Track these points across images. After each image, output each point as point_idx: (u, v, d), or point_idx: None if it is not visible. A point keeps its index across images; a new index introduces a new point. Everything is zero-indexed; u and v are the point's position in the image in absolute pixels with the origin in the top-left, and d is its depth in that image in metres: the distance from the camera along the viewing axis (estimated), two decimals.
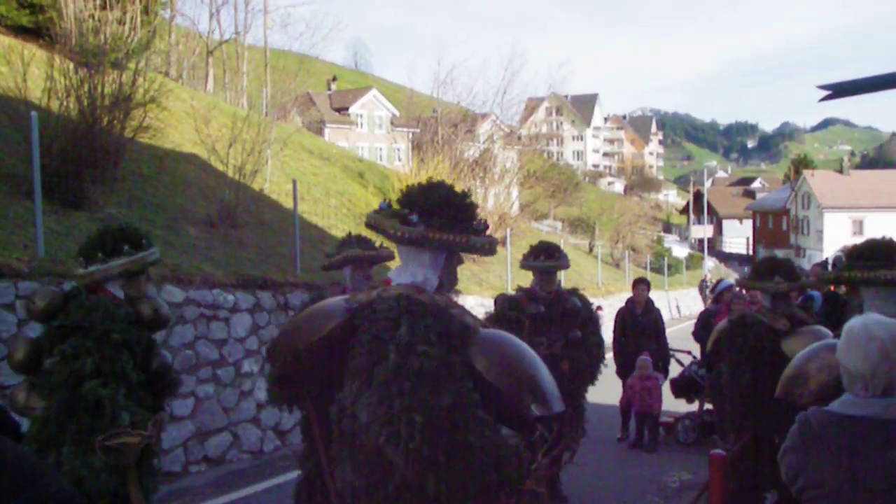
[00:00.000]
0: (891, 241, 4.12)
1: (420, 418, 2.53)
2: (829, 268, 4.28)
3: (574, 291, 6.79)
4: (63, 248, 7.56)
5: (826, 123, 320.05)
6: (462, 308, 2.91)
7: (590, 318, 6.68)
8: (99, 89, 9.83)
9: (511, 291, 6.87)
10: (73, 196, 8.93)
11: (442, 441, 2.55)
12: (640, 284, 9.54)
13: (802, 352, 3.84)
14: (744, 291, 8.69)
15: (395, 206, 2.91)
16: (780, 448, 2.57)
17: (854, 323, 2.49)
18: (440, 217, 2.80)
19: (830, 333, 4.81)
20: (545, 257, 6.47)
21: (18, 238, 7.50)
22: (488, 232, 2.94)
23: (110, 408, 3.30)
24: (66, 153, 8.90)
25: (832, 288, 9.89)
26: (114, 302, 3.60)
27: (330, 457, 2.92)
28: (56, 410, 3.30)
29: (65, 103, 9.49)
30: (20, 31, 12.97)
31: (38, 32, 12.52)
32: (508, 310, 6.18)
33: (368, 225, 2.95)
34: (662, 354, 9.37)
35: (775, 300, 5.66)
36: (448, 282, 2.99)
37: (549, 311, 6.33)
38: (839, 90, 4.89)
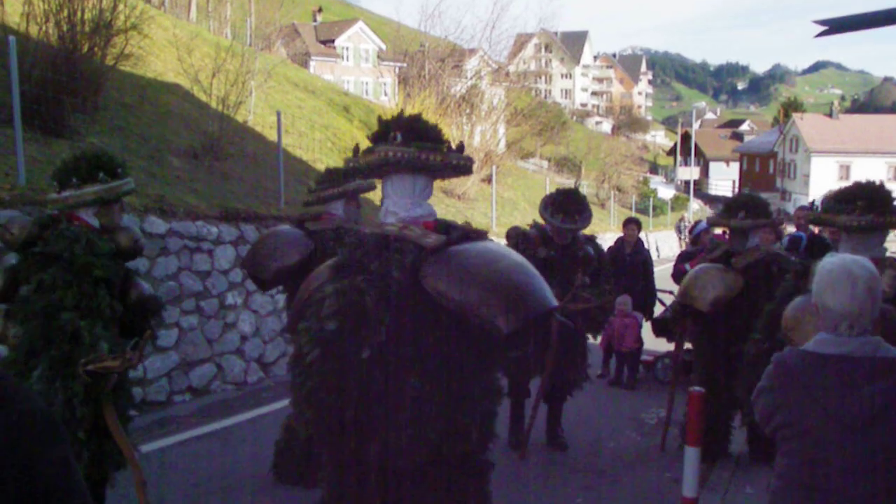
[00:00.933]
0: (874, 185, 4.07)
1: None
2: (817, 209, 4.26)
3: (591, 239, 6.29)
4: (44, 176, 7.43)
5: (817, 66, 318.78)
6: (424, 231, 2.77)
7: (601, 269, 6.23)
8: (79, 15, 9.56)
9: (524, 226, 6.39)
10: (55, 124, 8.77)
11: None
12: (631, 224, 9.48)
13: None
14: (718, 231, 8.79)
15: (367, 143, 2.88)
16: (753, 388, 2.58)
17: (832, 264, 2.43)
18: (422, 140, 2.77)
19: None
20: (564, 218, 5.81)
21: None
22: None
23: (89, 337, 3.28)
24: (46, 80, 8.70)
25: (817, 230, 9.97)
26: (95, 233, 3.54)
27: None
28: (29, 337, 3.27)
29: (44, 28, 9.25)
30: None
31: None
32: (518, 245, 5.83)
33: (348, 172, 2.97)
34: (649, 295, 9.38)
35: (733, 237, 5.73)
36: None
37: (560, 257, 5.92)
38: (836, 25, 4.82)
